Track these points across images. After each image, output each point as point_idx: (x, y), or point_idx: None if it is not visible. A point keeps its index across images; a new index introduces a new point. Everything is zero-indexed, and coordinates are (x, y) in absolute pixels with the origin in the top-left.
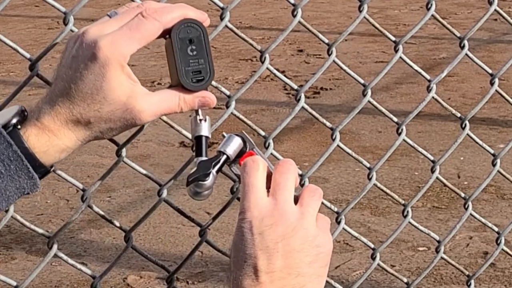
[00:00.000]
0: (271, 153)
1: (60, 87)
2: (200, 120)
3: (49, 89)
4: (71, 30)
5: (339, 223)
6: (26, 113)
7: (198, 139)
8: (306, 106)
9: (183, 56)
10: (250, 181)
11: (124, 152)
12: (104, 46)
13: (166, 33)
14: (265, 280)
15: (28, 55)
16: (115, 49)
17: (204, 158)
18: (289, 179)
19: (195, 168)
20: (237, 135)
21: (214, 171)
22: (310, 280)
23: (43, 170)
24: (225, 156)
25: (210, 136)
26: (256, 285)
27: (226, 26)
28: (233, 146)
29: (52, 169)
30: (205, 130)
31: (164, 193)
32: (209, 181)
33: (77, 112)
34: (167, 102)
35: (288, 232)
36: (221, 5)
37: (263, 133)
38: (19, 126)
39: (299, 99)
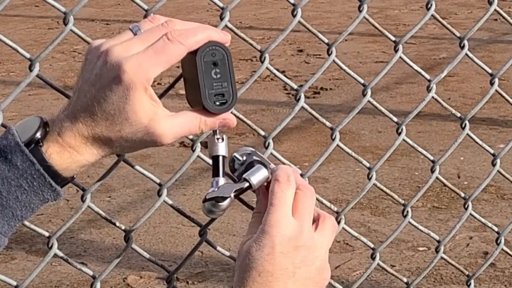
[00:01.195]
0: (271, 153)
1: (83, 103)
2: (218, 139)
3: (71, 102)
4: (71, 30)
5: (338, 222)
6: (47, 128)
7: (215, 158)
8: (306, 106)
9: (207, 79)
10: (283, 198)
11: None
12: (130, 69)
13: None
14: None
15: (28, 55)
16: (140, 73)
17: (221, 179)
18: (313, 205)
19: (215, 189)
20: (249, 153)
21: (233, 195)
22: None
23: (65, 181)
24: (248, 185)
25: (227, 156)
26: None
27: (226, 26)
28: (258, 176)
29: (74, 178)
30: (222, 149)
31: (164, 193)
32: (225, 204)
33: (99, 130)
34: (188, 124)
35: (309, 260)
36: (221, 5)
37: (263, 133)
38: (41, 143)
39: (298, 99)
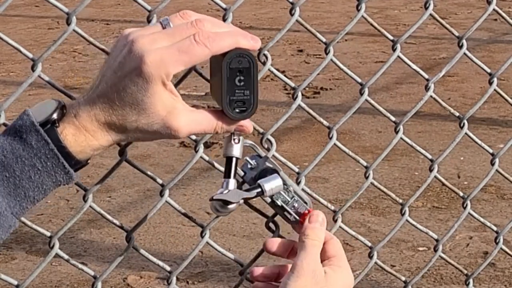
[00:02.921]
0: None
1: (103, 89)
2: (234, 139)
3: (93, 86)
4: (74, 30)
5: (336, 221)
6: (65, 110)
7: (228, 159)
8: (303, 105)
9: (230, 85)
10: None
11: (127, 152)
12: (151, 62)
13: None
14: None
15: (30, 55)
16: (161, 67)
17: (231, 180)
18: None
19: (225, 190)
20: (261, 157)
21: (242, 201)
22: None
23: (79, 165)
24: (260, 191)
25: (240, 158)
26: None
27: None
28: (272, 184)
29: (88, 163)
30: (237, 151)
31: (166, 194)
32: (232, 207)
33: (115, 118)
34: (204, 124)
35: None
36: (224, 6)
37: (262, 131)
38: (57, 124)
39: (296, 98)
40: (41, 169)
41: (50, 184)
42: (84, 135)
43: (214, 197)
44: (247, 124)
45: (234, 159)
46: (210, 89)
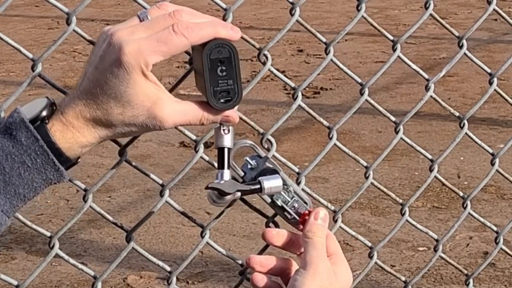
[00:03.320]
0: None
1: (86, 86)
2: (224, 130)
3: (78, 84)
4: (74, 31)
5: (336, 221)
6: (54, 107)
7: (220, 150)
8: (303, 105)
9: (213, 76)
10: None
11: (127, 152)
12: (129, 52)
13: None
14: None
15: (30, 55)
16: (139, 56)
17: (226, 171)
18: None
19: (220, 181)
20: (261, 158)
21: (238, 193)
22: None
23: (69, 163)
24: (258, 187)
25: (232, 147)
26: None
27: None
28: (272, 184)
29: (78, 161)
30: (227, 141)
31: (166, 194)
32: (229, 197)
33: (100, 113)
34: (190, 115)
35: None
36: (224, 6)
37: (262, 131)
38: (46, 121)
39: (296, 98)
40: (31, 166)
41: (40, 182)
42: (72, 132)
43: (209, 185)
44: (233, 114)
45: (226, 150)
46: (195, 82)
